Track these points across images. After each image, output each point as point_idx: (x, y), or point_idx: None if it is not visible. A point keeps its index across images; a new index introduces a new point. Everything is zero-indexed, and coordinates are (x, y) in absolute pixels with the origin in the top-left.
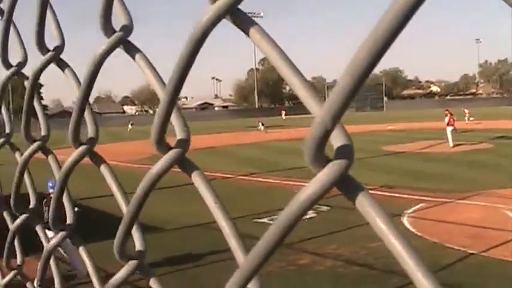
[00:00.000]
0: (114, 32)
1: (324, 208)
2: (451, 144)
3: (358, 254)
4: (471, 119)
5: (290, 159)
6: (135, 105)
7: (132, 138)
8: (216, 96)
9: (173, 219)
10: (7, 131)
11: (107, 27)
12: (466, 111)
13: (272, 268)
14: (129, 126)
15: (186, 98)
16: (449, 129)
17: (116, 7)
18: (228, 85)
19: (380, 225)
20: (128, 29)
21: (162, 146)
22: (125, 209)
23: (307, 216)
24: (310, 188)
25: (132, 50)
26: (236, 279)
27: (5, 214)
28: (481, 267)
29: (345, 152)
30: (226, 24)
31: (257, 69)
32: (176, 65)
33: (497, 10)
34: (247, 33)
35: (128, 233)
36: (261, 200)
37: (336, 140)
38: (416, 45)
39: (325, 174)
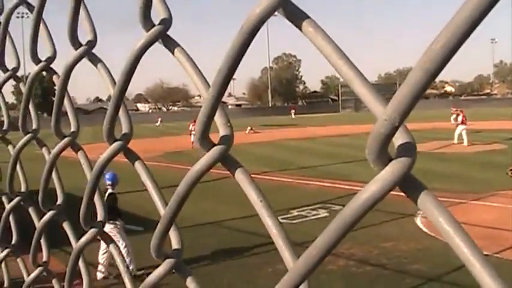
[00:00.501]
0: (153, 25)
1: (337, 207)
2: (455, 141)
3: (371, 254)
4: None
5: (302, 158)
6: (148, 102)
7: (144, 136)
8: (230, 95)
9: (186, 217)
10: (34, 126)
11: (146, 21)
12: (453, 109)
13: (281, 266)
14: (158, 122)
15: (200, 96)
16: (460, 128)
17: (155, 1)
18: (241, 84)
19: (444, 225)
20: (167, 22)
21: (206, 142)
22: (160, 206)
23: (320, 216)
24: (373, 186)
25: (171, 44)
26: (287, 282)
27: (31, 210)
28: (496, 269)
29: (408, 150)
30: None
31: (271, 68)
32: (225, 59)
33: None
34: (299, 27)
35: (166, 232)
36: (273, 198)
37: (398, 137)
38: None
39: (388, 173)
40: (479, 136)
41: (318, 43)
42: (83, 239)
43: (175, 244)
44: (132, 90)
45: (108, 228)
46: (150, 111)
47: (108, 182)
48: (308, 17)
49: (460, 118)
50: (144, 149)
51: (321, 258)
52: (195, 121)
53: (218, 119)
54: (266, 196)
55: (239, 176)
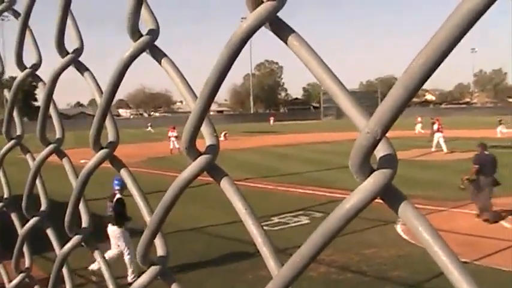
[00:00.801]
0: (141, 35)
1: (319, 215)
2: (433, 149)
3: (352, 261)
4: (420, 128)
5: (285, 164)
6: (130, 108)
7: (126, 142)
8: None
9: (170, 222)
10: (18, 132)
11: (134, 31)
12: (419, 119)
13: (266, 273)
14: (149, 128)
15: (182, 101)
16: (437, 135)
17: (143, 11)
18: (223, 90)
19: (423, 234)
20: (154, 33)
21: (193, 151)
22: (146, 213)
23: (302, 223)
24: (356, 196)
25: (158, 54)
26: None
27: (14, 216)
28: (474, 276)
29: (389, 161)
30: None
31: (253, 75)
32: (212, 72)
33: (492, 20)
34: (285, 41)
35: (152, 239)
36: (255, 205)
37: (380, 149)
38: (412, 53)
39: (370, 184)
40: (460, 144)
41: (303, 57)
42: (68, 246)
43: (160, 251)
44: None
45: (117, 233)
46: (132, 116)
47: (117, 187)
48: (293, 31)
49: (435, 126)
50: (126, 154)
51: (304, 266)
52: (173, 127)
53: (204, 128)
54: (250, 204)
55: (225, 185)
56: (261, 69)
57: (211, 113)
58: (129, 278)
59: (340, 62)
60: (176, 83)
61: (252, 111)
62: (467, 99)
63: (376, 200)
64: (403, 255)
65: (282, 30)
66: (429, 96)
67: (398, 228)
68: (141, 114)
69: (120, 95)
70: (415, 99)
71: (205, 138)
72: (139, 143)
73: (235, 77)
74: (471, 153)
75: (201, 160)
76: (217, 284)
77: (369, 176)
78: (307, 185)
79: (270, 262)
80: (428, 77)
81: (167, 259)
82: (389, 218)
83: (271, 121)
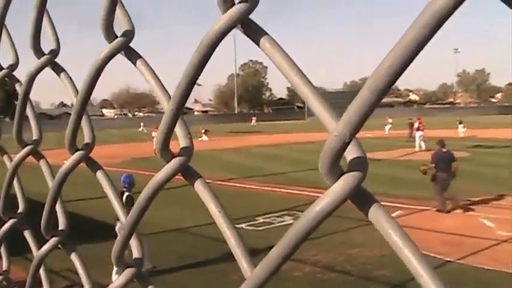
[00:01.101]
0: (116, 37)
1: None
2: (417, 148)
3: (336, 261)
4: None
5: (269, 164)
6: (114, 108)
7: (110, 142)
8: (196, 101)
9: (152, 222)
10: None
11: (109, 33)
12: (390, 120)
13: None
14: (142, 128)
15: None
16: (418, 134)
17: (118, 12)
18: (208, 90)
19: (393, 237)
20: (129, 34)
21: (166, 153)
22: (121, 215)
23: (286, 223)
24: (326, 199)
25: (133, 55)
26: None
27: None
28: (458, 275)
29: (360, 164)
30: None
31: (237, 75)
32: (184, 74)
33: (475, 21)
34: (257, 43)
35: (127, 240)
36: (239, 205)
37: (350, 152)
38: None
39: (340, 186)
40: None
41: (275, 59)
42: (44, 248)
43: (136, 253)
44: (98, 96)
45: None
46: (116, 116)
47: (125, 185)
48: (265, 33)
49: (416, 125)
50: (110, 154)
51: (276, 267)
52: (157, 127)
53: (178, 130)
54: (225, 206)
55: (199, 187)
56: (246, 69)
57: (196, 113)
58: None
59: (324, 62)
60: (151, 85)
61: (236, 112)
62: (451, 99)
63: None
64: (387, 255)
65: (254, 32)
66: (413, 96)
67: None
68: (125, 114)
69: (104, 94)
70: (399, 100)
71: (179, 140)
72: (123, 143)
73: (220, 77)
74: (455, 152)
75: (175, 162)
76: (202, 285)
77: (338, 178)
78: (292, 185)
79: (243, 263)
80: (395, 80)
81: (142, 261)
82: None
83: (253, 121)
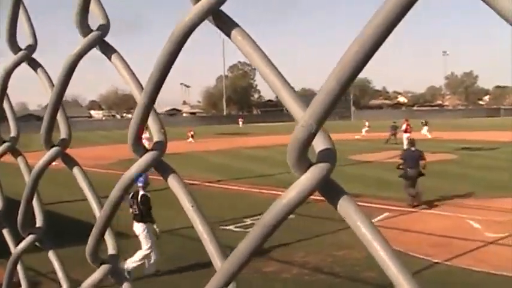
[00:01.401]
0: (91, 31)
1: (291, 216)
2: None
3: (324, 262)
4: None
5: (258, 166)
6: (102, 109)
7: (98, 143)
8: (185, 103)
9: None
10: None
11: (83, 27)
12: (367, 123)
13: (239, 275)
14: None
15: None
16: (405, 136)
17: (93, 6)
18: (196, 92)
19: (362, 230)
20: (104, 28)
21: (139, 148)
22: (98, 212)
23: None
24: (292, 192)
25: (108, 50)
26: (214, 282)
27: None
28: (446, 276)
29: (328, 155)
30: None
31: (226, 76)
32: (155, 67)
33: (464, 24)
34: (228, 35)
35: (100, 237)
36: (227, 207)
37: (319, 143)
38: (384, 56)
39: (307, 178)
40: (434, 147)
41: (246, 51)
42: (21, 246)
43: (111, 250)
44: (86, 97)
45: (144, 228)
46: (104, 118)
47: (140, 184)
48: (237, 26)
49: (404, 126)
50: (97, 156)
51: (244, 261)
52: (146, 128)
53: (152, 125)
54: (213, 207)
55: (172, 181)
56: (234, 71)
57: (184, 114)
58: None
59: (314, 64)
60: (126, 80)
61: (225, 113)
62: (439, 102)
63: None
64: None
65: (226, 24)
66: (401, 99)
67: None
68: (114, 116)
69: (92, 96)
70: (387, 102)
71: (153, 135)
72: (110, 144)
73: (208, 78)
74: (443, 155)
75: (148, 157)
76: (191, 286)
77: (306, 170)
78: (280, 187)
79: (216, 259)
80: (360, 69)
81: (118, 258)
82: None
83: (240, 123)
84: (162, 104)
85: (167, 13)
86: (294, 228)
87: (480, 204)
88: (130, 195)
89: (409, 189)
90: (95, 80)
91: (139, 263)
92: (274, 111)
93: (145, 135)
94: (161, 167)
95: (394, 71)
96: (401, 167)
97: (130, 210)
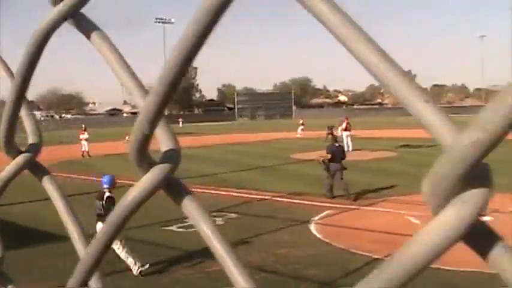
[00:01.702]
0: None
1: (233, 215)
2: (350, 148)
3: (266, 261)
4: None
5: (198, 166)
6: (40, 110)
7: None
8: (125, 102)
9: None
10: None
11: None
12: (301, 121)
13: (179, 275)
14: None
15: (94, 103)
16: (344, 134)
17: None
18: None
19: (204, 228)
20: None
21: (11, 149)
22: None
23: (216, 223)
24: (135, 190)
25: (86, 25)
26: (77, 272)
27: None
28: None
29: (171, 156)
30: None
31: None
32: (17, 70)
33: (402, 22)
34: (88, 37)
35: None
36: (168, 207)
37: (164, 144)
38: (323, 55)
39: (148, 178)
40: (374, 144)
41: (104, 54)
42: None
43: None
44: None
45: None
46: (43, 118)
47: (105, 186)
48: (97, 28)
49: (344, 125)
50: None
51: (100, 254)
52: (84, 129)
53: (27, 126)
54: (155, 208)
55: (46, 183)
56: None
57: (125, 114)
58: (135, 271)
59: (256, 63)
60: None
61: (166, 113)
62: (379, 100)
63: (290, 200)
64: (318, 254)
65: (85, 26)
66: (342, 97)
67: (312, 227)
68: (52, 116)
69: (30, 96)
70: (328, 100)
71: (28, 137)
72: (50, 146)
73: (148, 78)
74: (383, 152)
75: (21, 158)
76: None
77: (149, 170)
78: (221, 186)
79: (79, 246)
80: (183, 72)
81: (3, 260)
82: (303, 218)
83: (180, 123)
84: (103, 104)
85: None
86: (236, 227)
87: (419, 200)
88: (97, 196)
89: (331, 182)
90: (33, 79)
91: (131, 259)
92: (216, 110)
93: (84, 135)
94: (35, 168)
95: (334, 70)
96: (325, 161)
97: (97, 211)
